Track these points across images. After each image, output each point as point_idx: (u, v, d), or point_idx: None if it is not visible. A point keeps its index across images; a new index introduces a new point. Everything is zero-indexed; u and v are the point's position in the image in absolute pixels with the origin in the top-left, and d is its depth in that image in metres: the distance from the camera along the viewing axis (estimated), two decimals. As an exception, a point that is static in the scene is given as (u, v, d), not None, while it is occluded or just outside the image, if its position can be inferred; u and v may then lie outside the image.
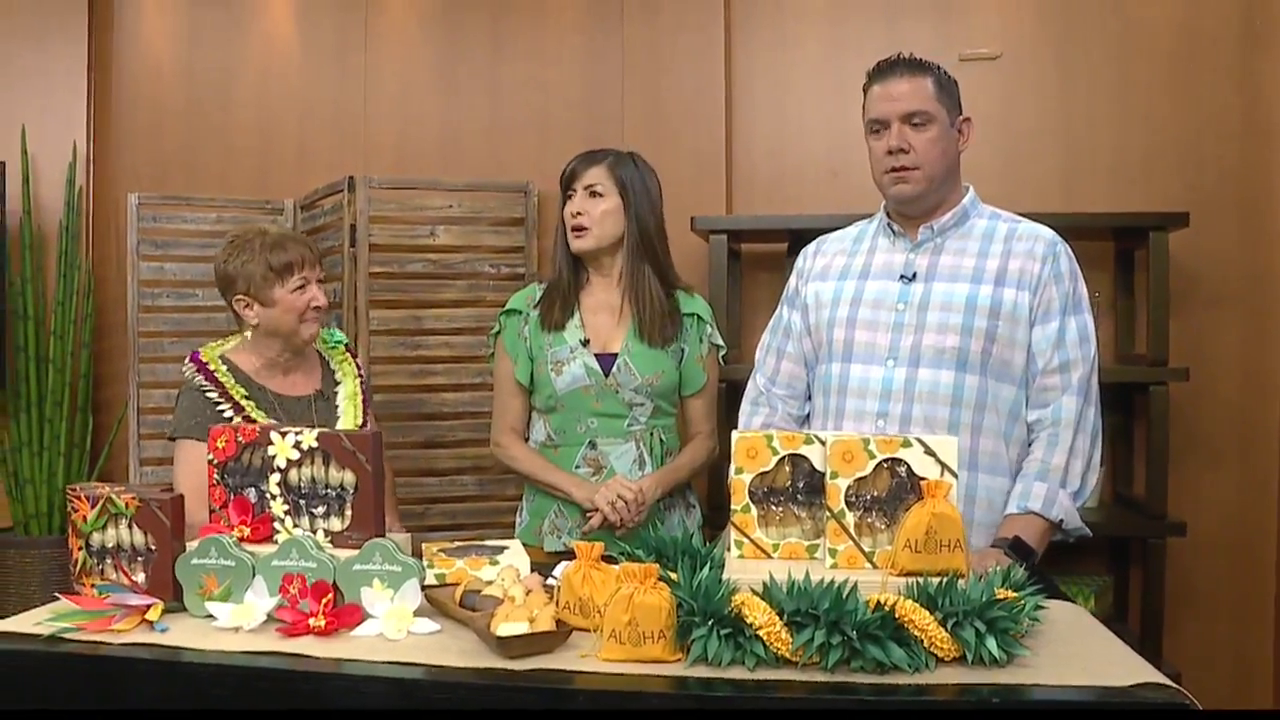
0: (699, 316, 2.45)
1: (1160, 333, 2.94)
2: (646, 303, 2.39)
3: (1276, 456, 3.16)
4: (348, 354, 2.46)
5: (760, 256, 3.34)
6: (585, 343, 2.40)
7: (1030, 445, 2.01)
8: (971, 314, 1.98)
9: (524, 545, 2.45)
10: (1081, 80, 3.25)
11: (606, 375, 2.38)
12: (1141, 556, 3.00)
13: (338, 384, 2.40)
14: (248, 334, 2.32)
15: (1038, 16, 3.27)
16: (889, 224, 2.11)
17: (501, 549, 1.88)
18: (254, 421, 2.22)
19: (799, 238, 3.06)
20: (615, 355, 2.39)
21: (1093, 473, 2.00)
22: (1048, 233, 2.06)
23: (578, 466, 2.41)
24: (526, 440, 2.50)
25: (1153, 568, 2.94)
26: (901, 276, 2.05)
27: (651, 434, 2.42)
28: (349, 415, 2.36)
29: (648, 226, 2.41)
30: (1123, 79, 3.23)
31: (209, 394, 2.23)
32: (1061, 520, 1.94)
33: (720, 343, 2.51)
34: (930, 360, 1.98)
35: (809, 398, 2.19)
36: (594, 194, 2.39)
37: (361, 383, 2.43)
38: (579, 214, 2.39)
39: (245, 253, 2.26)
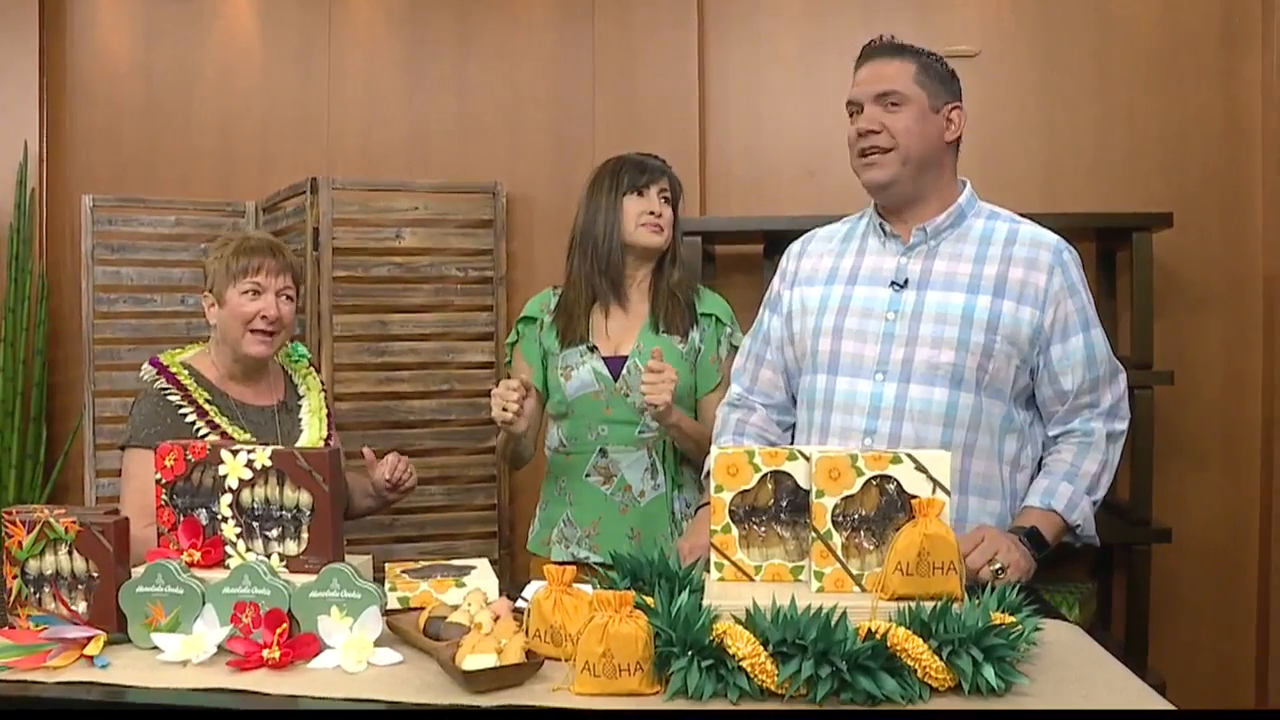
0: (717, 318, 2.42)
1: (1144, 335, 2.89)
2: (666, 294, 2.39)
3: (1259, 460, 3.12)
4: (311, 369, 2.39)
5: (735, 258, 3.27)
6: (592, 349, 2.37)
7: (1057, 447, 1.95)
8: (968, 328, 1.87)
9: (534, 555, 2.42)
10: (1062, 79, 3.19)
11: (616, 379, 2.34)
12: (1126, 563, 2.96)
13: (301, 397, 2.33)
14: (209, 341, 2.26)
15: (1017, 14, 3.21)
16: (880, 223, 1.99)
17: (468, 569, 1.79)
18: (218, 427, 2.14)
19: (775, 239, 3.00)
20: (625, 358, 2.35)
21: (1111, 478, 1.97)
22: (1051, 238, 1.94)
23: (588, 475, 2.37)
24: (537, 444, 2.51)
25: (1137, 574, 2.89)
26: (892, 283, 1.93)
27: (664, 442, 2.35)
28: (313, 429, 2.28)
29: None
30: (1103, 77, 3.17)
31: (170, 397, 2.14)
32: (1078, 526, 1.89)
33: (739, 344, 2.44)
34: (923, 376, 1.88)
35: (792, 405, 2.09)
36: (666, 199, 2.42)
37: (325, 397, 2.36)
38: (659, 215, 2.39)
39: (221, 249, 2.22)
